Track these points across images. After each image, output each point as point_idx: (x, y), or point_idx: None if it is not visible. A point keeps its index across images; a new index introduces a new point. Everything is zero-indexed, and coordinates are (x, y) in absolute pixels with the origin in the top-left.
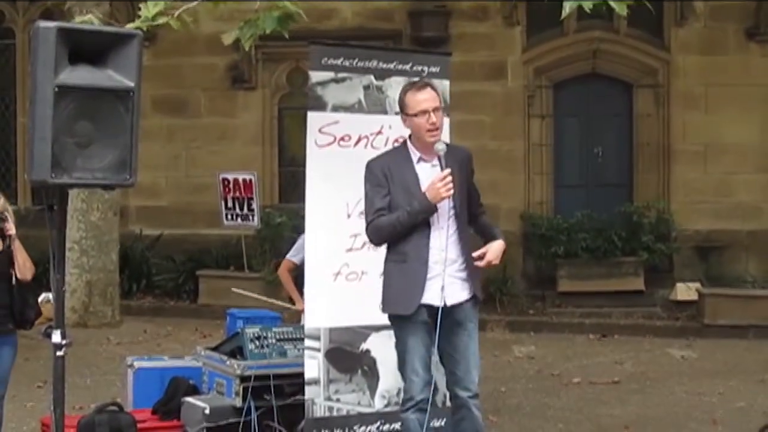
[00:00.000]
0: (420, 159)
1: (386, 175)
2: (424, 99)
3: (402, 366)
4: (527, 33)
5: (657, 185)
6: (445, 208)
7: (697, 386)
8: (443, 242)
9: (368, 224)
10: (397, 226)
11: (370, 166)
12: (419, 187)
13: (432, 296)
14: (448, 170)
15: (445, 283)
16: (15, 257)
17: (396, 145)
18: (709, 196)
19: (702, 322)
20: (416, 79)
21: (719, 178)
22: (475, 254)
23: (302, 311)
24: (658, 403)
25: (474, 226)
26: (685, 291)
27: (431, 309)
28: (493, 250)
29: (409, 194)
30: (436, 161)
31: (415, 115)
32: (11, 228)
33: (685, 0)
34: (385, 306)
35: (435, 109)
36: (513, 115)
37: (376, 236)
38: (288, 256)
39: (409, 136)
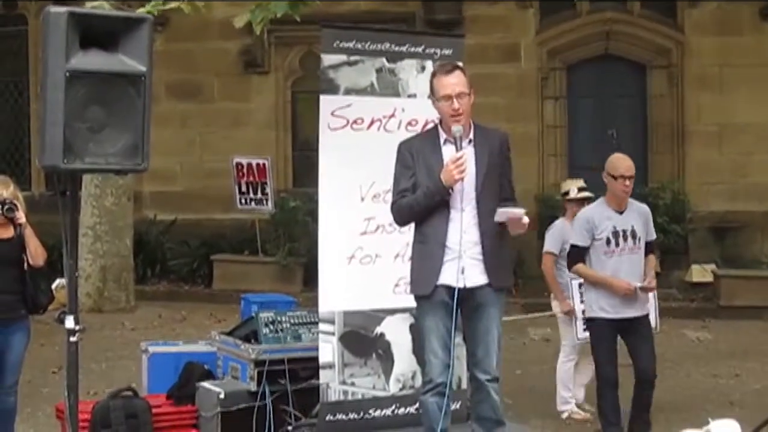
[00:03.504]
0: (446, 141)
1: (413, 156)
2: (449, 84)
3: (422, 347)
4: (540, 15)
5: (671, 166)
6: (466, 190)
7: (713, 368)
8: (463, 224)
9: (392, 204)
10: (415, 207)
11: (400, 147)
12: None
13: (450, 277)
14: (461, 152)
15: (465, 265)
16: (27, 244)
17: (409, 128)
18: (724, 176)
19: (718, 304)
20: (429, 61)
21: (734, 159)
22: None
23: (566, 312)
24: (674, 385)
25: None
26: (701, 273)
27: (451, 290)
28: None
29: (432, 175)
30: (463, 143)
31: (439, 99)
32: (21, 217)
33: None
34: (410, 286)
35: (459, 95)
36: (527, 97)
37: (398, 216)
38: (547, 248)
39: (440, 119)
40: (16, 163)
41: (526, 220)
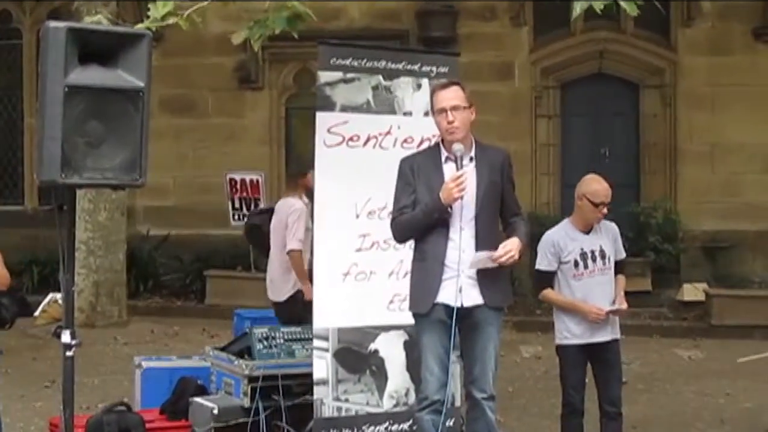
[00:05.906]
0: (447, 159)
1: (413, 173)
2: (444, 97)
3: (419, 364)
4: (534, 33)
5: (664, 185)
6: (466, 208)
7: (704, 386)
8: (461, 243)
9: (391, 221)
10: (413, 223)
11: (401, 163)
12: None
13: (448, 296)
14: (462, 171)
15: (463, 284)
16: None
17: (405, 145)
18: (716, 196)
19: (709, 323)
20: (425, 79)
21: (726, 178)
22: (494, 254)
23: None
24: (665, 403)
25: (505, 231)
26: (692, 291)
27: (449, 309)
28: (503, 244)
29: (432, 192)
30: (464, 161)
31: (436, 113)
32: None
33: (692, 0)
34: (409, 303)
35: (453, 108)
36: (520, 115)
37: (397, 233)
38: None
39: (442, 137)
40: (9, 177)
41: (495, 255)
